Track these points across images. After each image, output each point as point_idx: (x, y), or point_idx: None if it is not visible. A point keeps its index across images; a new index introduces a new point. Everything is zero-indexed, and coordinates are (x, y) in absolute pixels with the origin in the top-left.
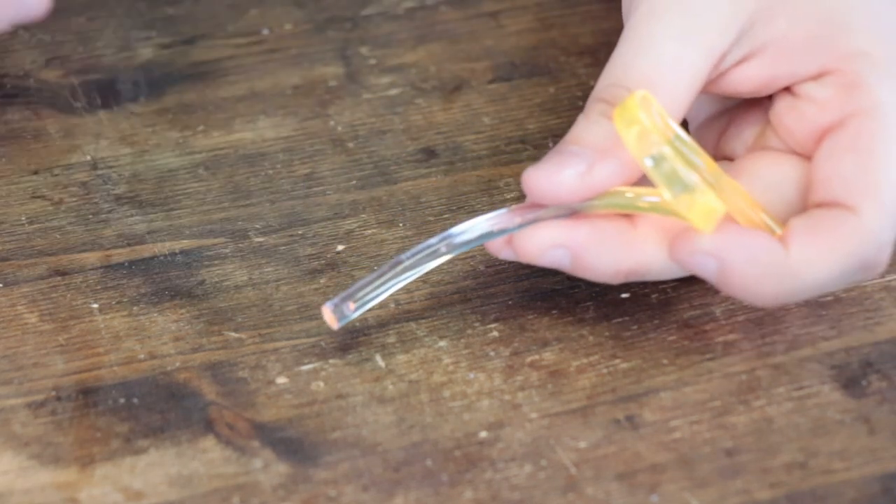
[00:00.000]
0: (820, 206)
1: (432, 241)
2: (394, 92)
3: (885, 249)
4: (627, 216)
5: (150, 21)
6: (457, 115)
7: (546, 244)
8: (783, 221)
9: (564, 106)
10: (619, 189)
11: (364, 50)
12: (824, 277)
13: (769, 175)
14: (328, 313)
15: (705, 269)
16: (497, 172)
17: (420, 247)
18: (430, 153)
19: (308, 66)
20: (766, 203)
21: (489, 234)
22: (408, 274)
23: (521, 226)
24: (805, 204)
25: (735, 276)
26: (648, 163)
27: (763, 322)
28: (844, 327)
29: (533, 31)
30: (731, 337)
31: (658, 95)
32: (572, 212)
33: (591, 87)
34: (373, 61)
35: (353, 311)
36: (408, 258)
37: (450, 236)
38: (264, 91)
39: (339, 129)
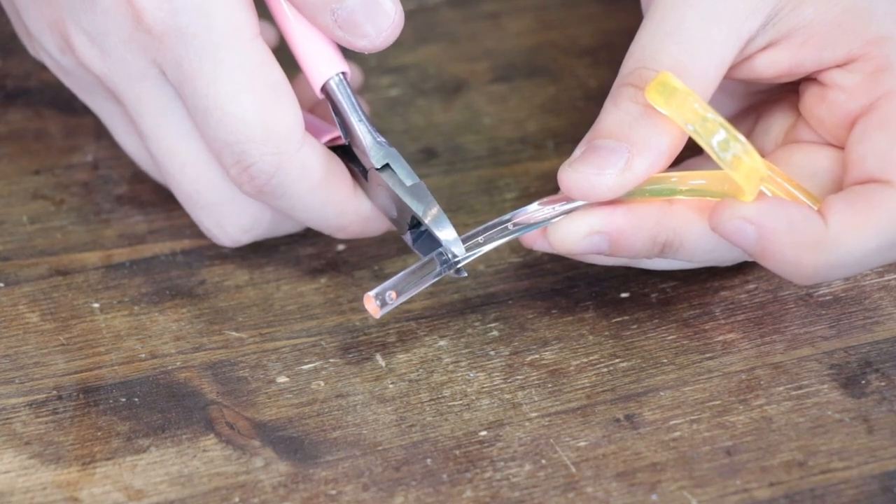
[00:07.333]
0: (855, 184)
1: (470, 233)
2: (394, 92)
3: None
4: None
5: None
6: (457, 115)
7: (583, 233)
8: None
9: (564, 106)
10: (656, 175)
11: None
12: (861, 250)
13: (804, 165)
14: (370, 302)
15: (744, 236)
16: (497, 172)
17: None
18: (430, 153)
19: None
20: None
21: (523, 227)
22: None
23: (556, 216)
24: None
25: (773, 244)
26: (692, 129)
27: (762, 321)
28: (843, 327)
29: (533, 32)
30: (730, 336)
31: (688, 77)
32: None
33: (591, 88)
34: (373, 62)
35: (396, 300)
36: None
37: (486, 230)
38: None
39: None
